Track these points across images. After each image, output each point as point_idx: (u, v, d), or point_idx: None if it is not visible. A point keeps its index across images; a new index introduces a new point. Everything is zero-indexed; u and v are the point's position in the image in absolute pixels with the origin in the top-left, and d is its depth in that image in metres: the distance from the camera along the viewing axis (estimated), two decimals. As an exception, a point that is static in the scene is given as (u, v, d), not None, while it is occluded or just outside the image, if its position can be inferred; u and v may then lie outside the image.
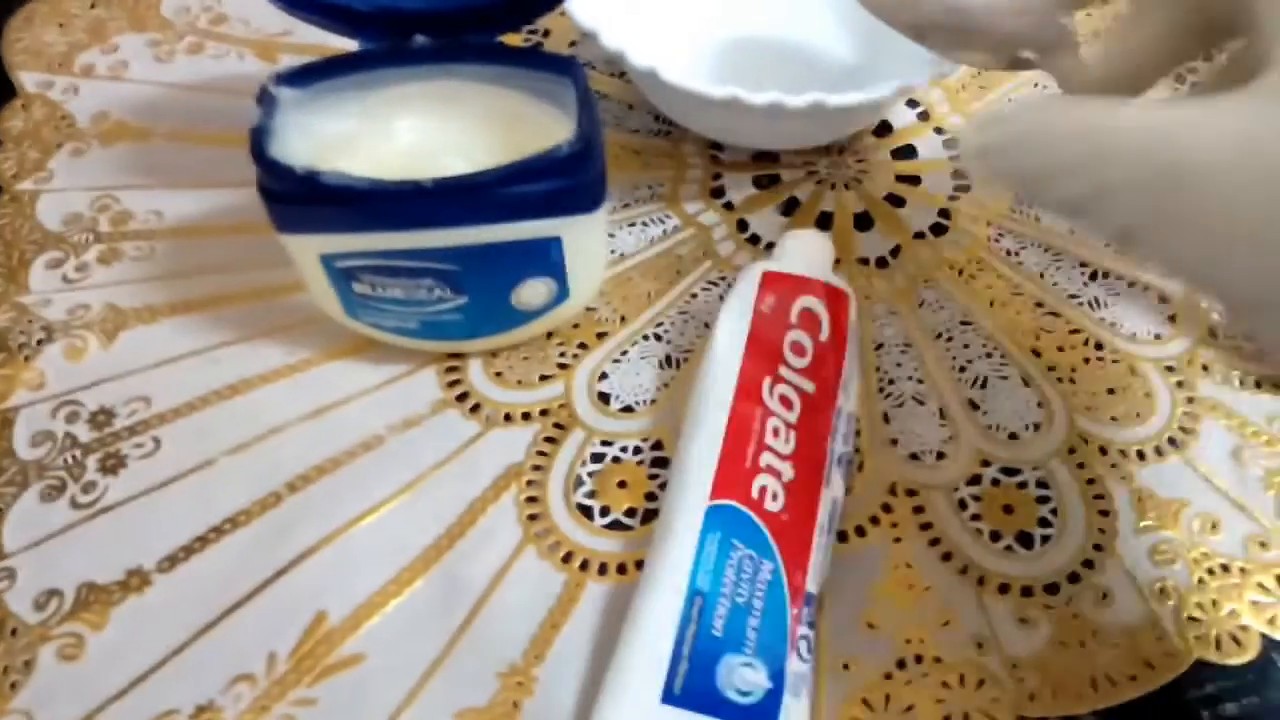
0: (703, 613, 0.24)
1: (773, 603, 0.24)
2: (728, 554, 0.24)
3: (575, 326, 0.32)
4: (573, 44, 0.40)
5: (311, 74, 0.27)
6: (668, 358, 0.31)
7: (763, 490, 0.25)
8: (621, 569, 0.27)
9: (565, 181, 0.26)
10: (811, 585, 0.25)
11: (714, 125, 0.35)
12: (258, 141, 0.25)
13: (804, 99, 0.30)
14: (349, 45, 0.29)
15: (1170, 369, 0.31)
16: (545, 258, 0.28)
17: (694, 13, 0.37)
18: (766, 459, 0.25)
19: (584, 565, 0.27)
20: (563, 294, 0.29)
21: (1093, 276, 0.33)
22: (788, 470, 0.25)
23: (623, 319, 0.32)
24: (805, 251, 0.29)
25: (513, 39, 0.39)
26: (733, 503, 0.25)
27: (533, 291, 0.29)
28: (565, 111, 0.27)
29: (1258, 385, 0.30)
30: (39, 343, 0.32)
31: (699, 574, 0.24)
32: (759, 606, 0.24)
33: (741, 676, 0.23)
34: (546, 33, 0.40)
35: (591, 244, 0.29)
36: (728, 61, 0.36)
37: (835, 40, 0.37)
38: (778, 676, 0.23)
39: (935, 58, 0.30)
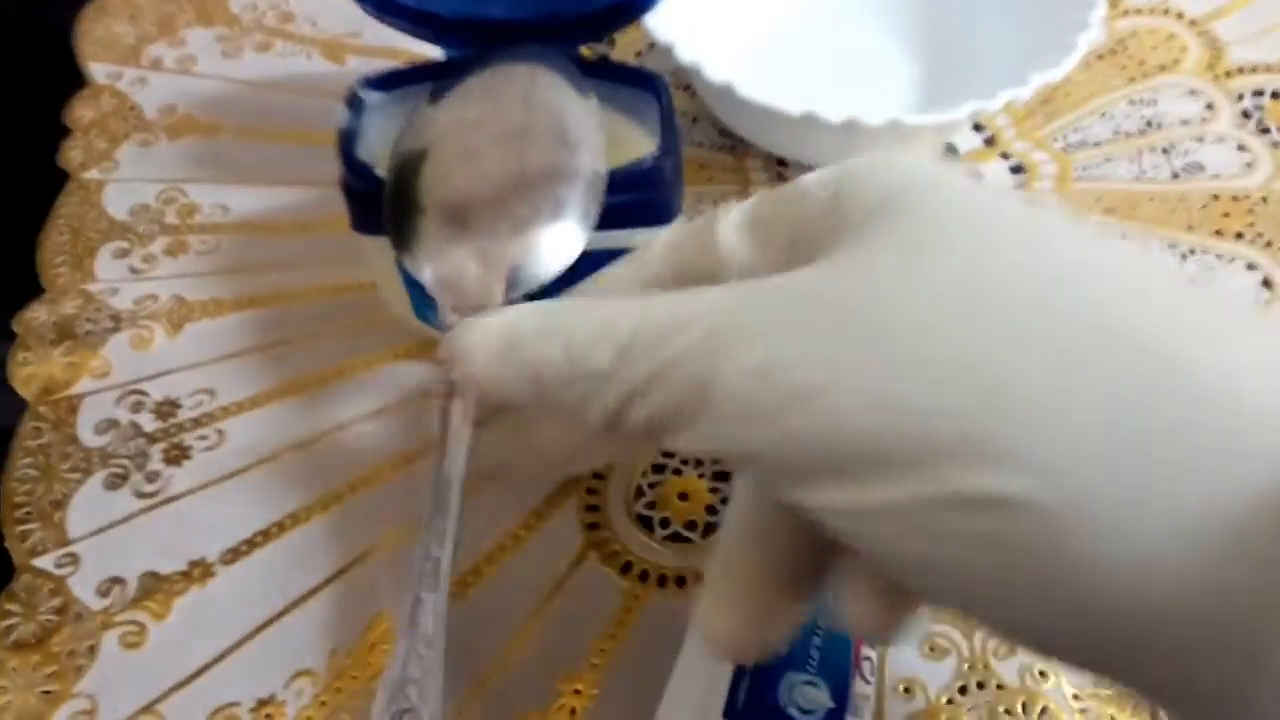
0: None
1: None
2: None
3: (637, 337, 0.32)
4: (638, 54, 0.40)
5: (398, 79, 0.27)
6: (729, 372, 0.31)
7: None
8: (680, 581, 0.27)
9: (645, 194, 0.26)
10: None
11: (784, 143, 0.35)
12: (346, 143, 0.26)
13: (881, 117, 0.30)
14: (421, 49, 0.30)
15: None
16: (619, 269, 0.28)
17: (765, 30, 0.38)
18: None
19: (643, 576, 0.27)
20: (631, 305, 0.29)
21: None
22: None
23: (683, 332, 0.32)
24: None
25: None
26: None
27: (603, 302, 0.29)
28: (642, 124, 0.27)
29: None
30: (106, 331, 0.32)
31: None
32: (822, 625, 0.24)
33: (804, 694, 0.23)
34: (612, 42, 0.40)
35: (663, 257, 0.29)
36: (798, 80, 0.36)
37: (905, 62, 0.37)
38: (841, 695, 0.23)
39: (1006, 80, 0.30)
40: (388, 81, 0.27)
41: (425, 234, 0.25)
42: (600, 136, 0.26)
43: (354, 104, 0.26)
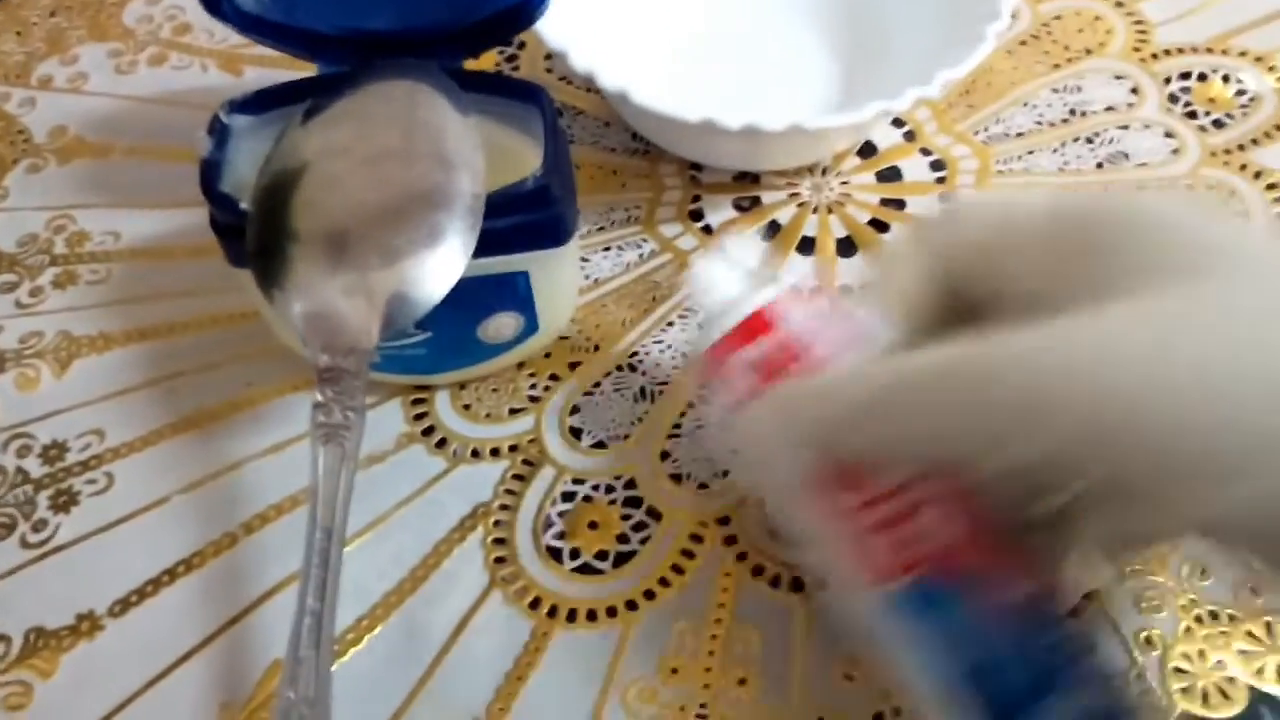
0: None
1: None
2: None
3: (547, 356, 0.31)
4: (548, 56, 0.39)
5: (267, 100, 0.26)
6: (642, 390, 0.30)
7: None
8: (592, 616, 0.26)
9: (531, 216, 0.25)
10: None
11: (691, 147, 0.34)
12: (207, 175, 0.24)
13: (781, 123, 0.29)
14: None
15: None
16: (512, 292, 0.27)
17: (670, 32, 0.36)
18: None
19: (552, 612, 0.26)
20: (531, 327, 0.28)
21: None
22: None
23: (596, 347, 0.31)
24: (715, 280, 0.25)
25: (486, 56, 0.37)
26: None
27: (500, 326, 0.28)
28: (535, 138, 0.26)
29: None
30: (-11, 372, 0.31)
31: None
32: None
33: None
34: (522, 45, 0.39)
35: (561, 276, 0.28)
36: (705, 82, 0.35)
37: (822, 59, 0.36)
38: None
39: (920, 80, 0.29)
40: (255, 104, 0.26)
41: (293, 268, 0.23)
42: (479, 157, 0.24)
43: (217, 130, 0.25)
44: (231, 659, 0.26)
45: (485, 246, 0.24)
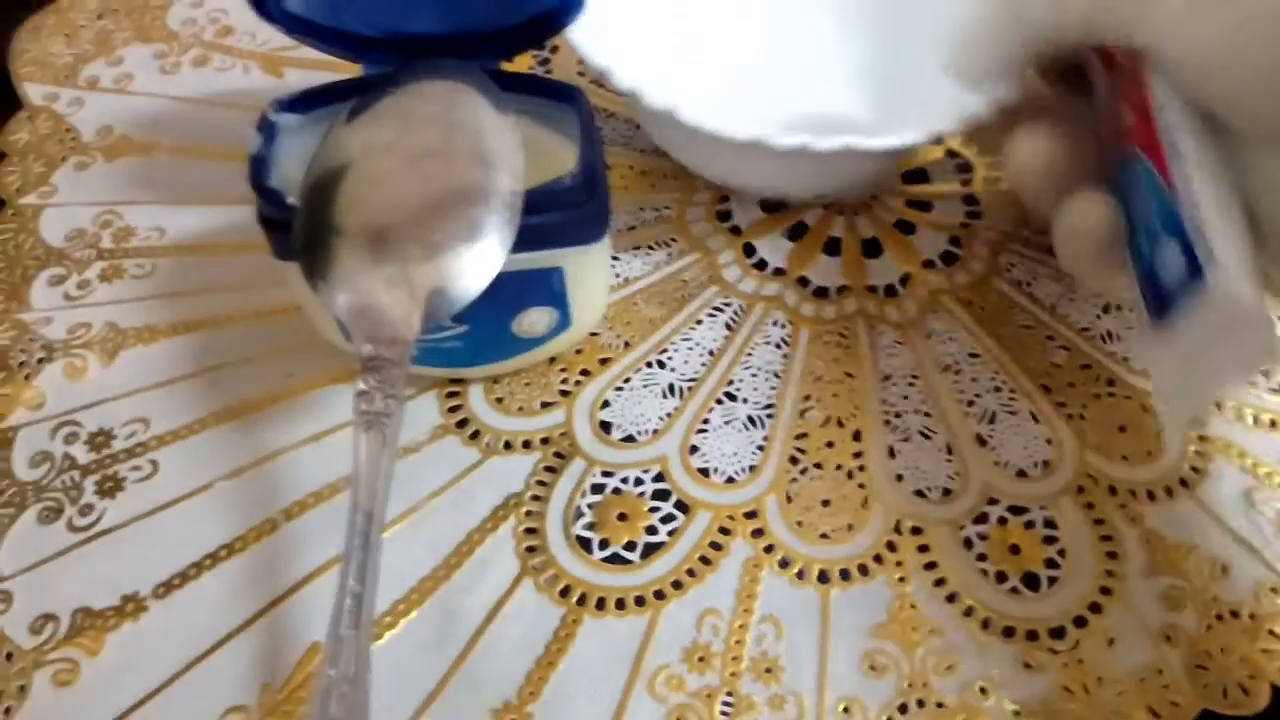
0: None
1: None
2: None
3: (578, 352, 0.32)
4: (581, 61, 0.39)
5: (313, 100, 0.27)
6: (671, 386, 0.31)
7: None
8: (620, 604, 0.27)
9: (567, 214, 0.26)
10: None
11: (730, 170, 0.33)
12: (256, 170, 0.25)
13: (834, 141, 0.28)
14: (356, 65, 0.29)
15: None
16: (547, 288, 0.27)
17: (710, 57, 0.36)
18: None
19: (581, 600, 0.27)
20: (565, 322, 0.29)
21: (1105, 310, 0.32)
22: None
23: (626, 345, 0.32)
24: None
25: (522, 60, 0.38)
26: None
27: (534, 320, 0.28)
28: (571, 138, 0.27)
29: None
30: (39, 361, 0.32)
31: None
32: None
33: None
34: (555, 49, 0.40)
35: (594, 273, 0.28)
36: (745, 106, 0.34)
37: (857, 86, 0.36)
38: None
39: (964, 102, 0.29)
40: (302, 103, 0.27)
41: (338, 261, 0.24)
42: (518, 155, 0.25)
43: (265, 128, 0.26)
44: (272, 641, 0.27)
45: (522, 242, 0.25)
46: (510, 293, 0.27)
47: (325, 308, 0.24)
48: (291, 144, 0.26)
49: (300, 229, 0.25)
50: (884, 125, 0.30)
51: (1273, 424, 0.30)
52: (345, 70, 0.29)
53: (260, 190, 0.25)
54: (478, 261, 0.24)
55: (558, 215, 0.25)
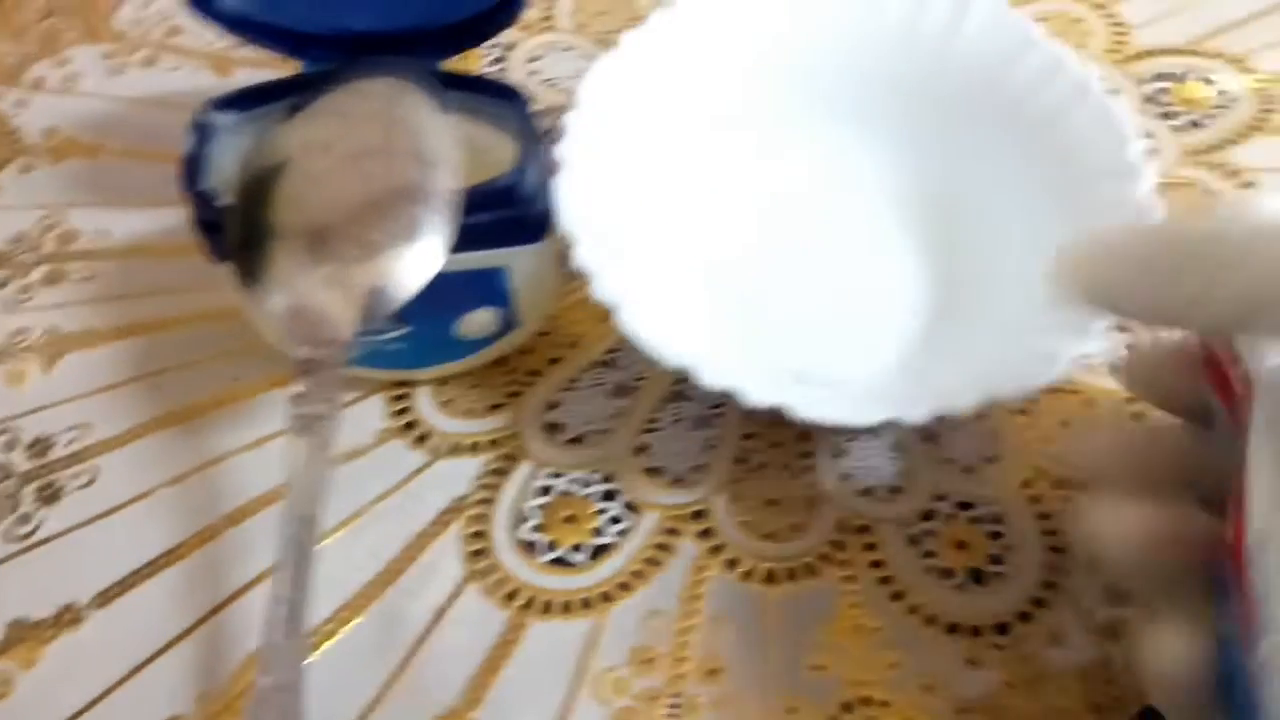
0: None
1: None
2: None
3: (526, 352, 0.31)
4: (534, 59, 0.39)
5: (250, 98, 0.26)
6: (620, 385, 0.31)
7: None
8: (567, 607, 0.27)
9: (508, 212, 0.25)
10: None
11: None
12: (189, 172, 0.25)
13: (924, 411, 0.24)
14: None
15: (1129, 401, 0.30)
16: (490, 288, 0.27)
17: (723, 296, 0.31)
18: None
19: (527, 604, 0.27)
20: (511, 323, 0.29)
21: (1053, 305, 0.32)
22: None
23: (574, 344, 0.32)
24: None
25: (473, 56, 0.38)
26: None
27: (479, 321, 0.28)
28: (511, 136, 0.27)
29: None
30: (-22, 367, 0.31)
31: None
32: None
33: None
34: (511, 47, 0.40)
35: (540, 272, 0.28)
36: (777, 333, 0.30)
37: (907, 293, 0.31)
38: None
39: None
40: (239, 102, 0.26)
41: (273, 262, 0.24)
42: (457, 153, 0.25)
43: (199, 128, 0.25)
44: (211, 650, 0.26)
45: (463, 242, 0.24)
46: (453, 294, 0.27)
47: (259, 311, 0.24)
48: (228, 144, 0.26)
49: (234, 229, 0.24)
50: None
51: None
52: (296, 70, 0.29)
53: (191, 192, 0.24)
54: (417, 260, 0.24)
55: (498, 214, 0.25)
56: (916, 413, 0.23)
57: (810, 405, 0.23)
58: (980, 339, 0.28)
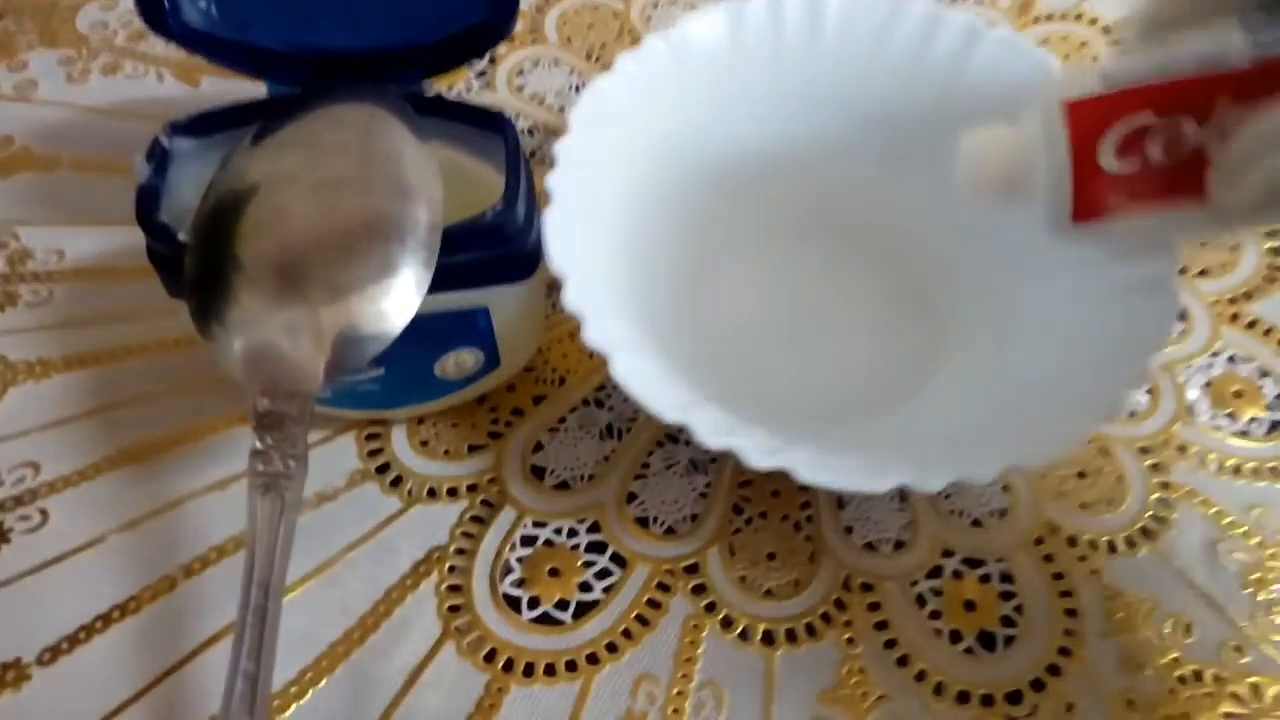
0: None
1: None
2: None
3: (509, 389, 0.29)
4: (520, 73, 0.37)
5: (212, 123, 0.24)
6: (609, 427, 0.29)
7: None
8: (550, 670, 0.25)
9: (492, 250, 0.23)
10: None
11: None
12: (144, 201, 0.23)
13: (941, 480, 0.22)
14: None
15: (1145, 450, 0.29)
16: (471, 329, 0.25)
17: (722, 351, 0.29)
18: None
19: (508, 665, 0.25)
20: (492, 362, 0.27)
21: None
22: None
23: (562, 380, 0.30)
24: None
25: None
26: None
27: (458, 362, 0.26)
28: (497, 166, 0.25)
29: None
30: (-81, 399, 0.29)
31: None
32: None
33: None
34: (493, 59, 0.38)
35: (524, 310, 0.26)
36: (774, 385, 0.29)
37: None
38: None
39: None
40: (199, 126, 0.24)
41: (234, 301, 0.22)
42: (436, 186, 0.23)
43: (156, 154, 0.23)
44: (168, 713, 0.24)
45: (442, 281, 0.23)
46: (431, 334, 0.25)
47: (219, 354, 0.22)
48: (186, 172, 0.24)
49: (193, 265, 0.22)
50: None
51: (1237, 471, 0.28)
52: (261, 91, 0.27)
53: (147, 225, 0.22)
54: (392, 304, 0.22)
55: (481, 252, 0.23)
56: (932, 481, 0.21)
57: (817, 469, 0.22)
58: (992, 400, 0.26)
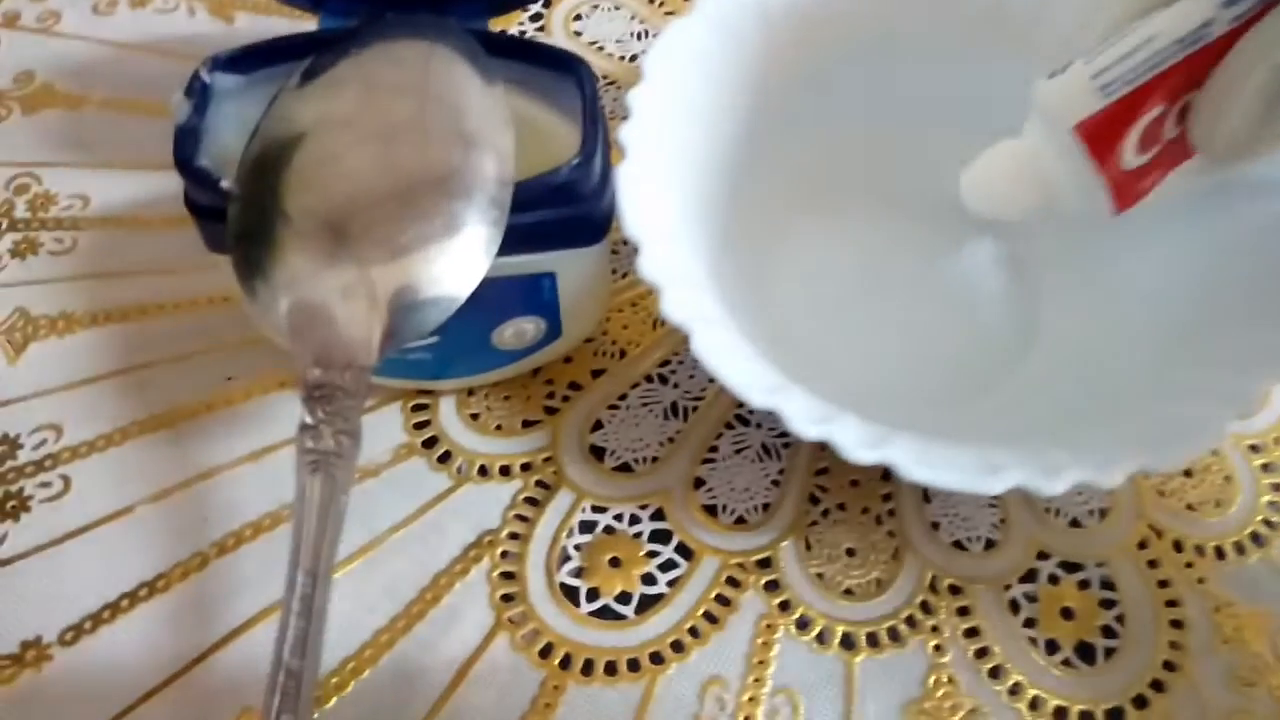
0: None
1: None
2: None
3: (567, 361, 0.27)
4: (578, 18, 0.35)
5: (257, 58, 0.22)
6: (674, 405, 0.27)
7: None
8: (611, 669, 0.23)
9: (564, 210, 0.21)
10: None
11: None
12: (183, 144, 0.20)
13: (1062, 483, 0.20)
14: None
15: (1255, 449, 0.26)
16: (535, 295, 0.23)
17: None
18: None
19: (565, 662, 0.23)
20: (554, 332, 0.25)
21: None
22: None
23: (623, 353, 0.28)
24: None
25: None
26: None
27: (518, 331, 0.24)
28: (568, 116, 0.22)
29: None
30: (-66, 352, 0.27)
31: None
32: None
33: None
34: (550, 3, 0.35)
35: (591, 278, 0.24)
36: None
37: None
38: None
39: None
40: (243, 61, 0.22)
41: (282, 258, 0.20)
42: (507, 136, 0.21)
43: (196, 91, 0.21)
44: (199, 701, 0.23)
45: (508, 243, 0.20)
46: (491, 301, 0.22)
47: (263, 315, 0.20)
48: (229, 111, 0.22)
49: (237, 216, 0.20)
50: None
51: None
52: (309, 19, 0.25)
53: (187, 170, 0.20)
54: (456, 267, 0.20)
55: (553, 212, 0.21)
56: (1054, 484, 0.19)
57: (924, 465, 0.19)
58: (1098, 382, 0.24)
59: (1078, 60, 0.21)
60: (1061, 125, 0.21)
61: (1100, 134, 0.21)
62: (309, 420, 0.19)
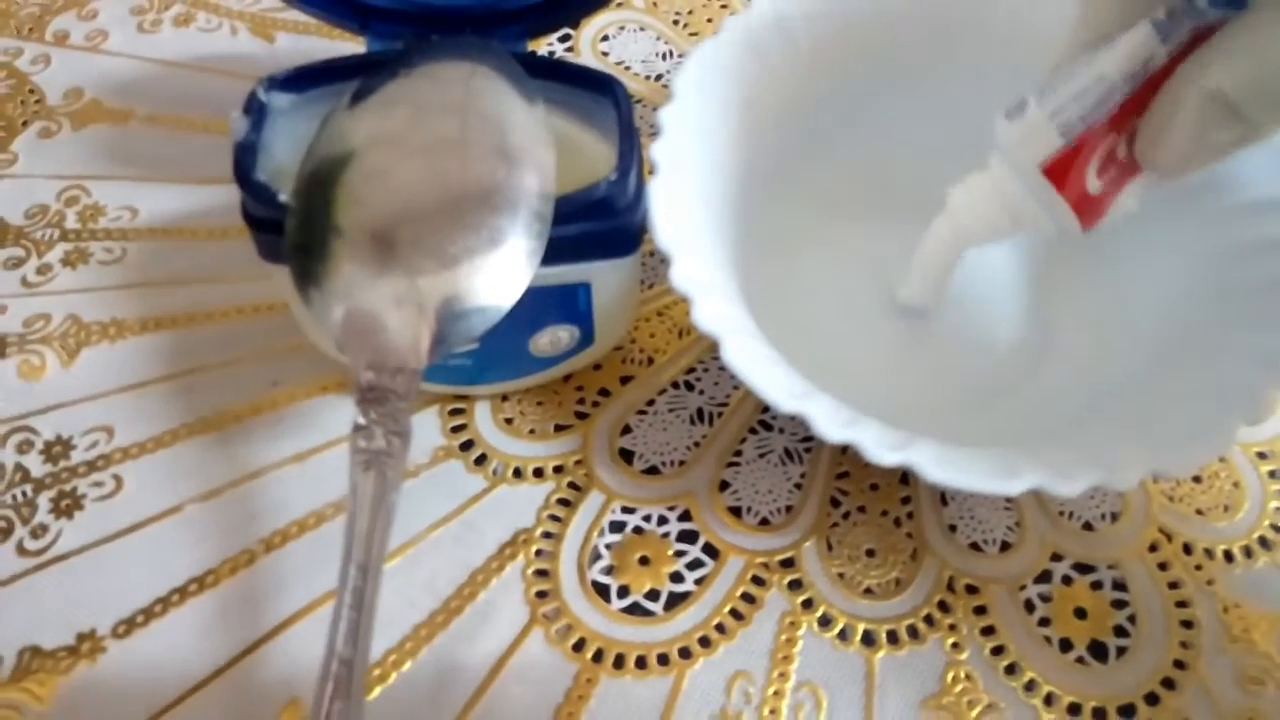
0: None
1: None
2: None
3: (596, 368, 0.28)
4: (605, 38, 0.36)
5: (310, 78, 0.23)
6: (699, 411, 0.28)
7: None
8: (641, 662, 0.24)
9: (601, 224, 0.22)
10: None
11: None
12: (242, 159, 0.22)
13: (1079, 485, 0.20)
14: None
15: (1262, 456, 0.27)
16: (570, 304, 0.24)
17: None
18: None
19: (598, 656, 0.24)
20: (586, 340, 0.26)
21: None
22: None
23: (651, 360, 0.29)
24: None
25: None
26: None
27: (554, 339, 0.25)
28: (604, 134, 0.24)
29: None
30: (-9, 356, 0.28)
31: None
32: None
33: None
34: (576, 23, 0.36)
35: (624, 288, 0.25)
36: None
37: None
38: None
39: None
40: (297, 81, 0.23)
41: (336, 269, 0.21)
42: (548, 152, 0.22)
43: (254, 109, 0.22)
44: (247, 692, 0.24)
45: (548, 255, 0.21)
46: (530, 309, 0.23)
47: (318, 322, 0.21)
48: (283, 128, 0.23)
49: (294, 228, 0.21)
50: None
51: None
52: (346, 40, 0.26)
53: (246, 184, 0.21)
54: (501, 278, 0.21)
55: (590, 225, 0.22)
56: (1070, 485, 0.20)
57: (945, 467, 0.20)
58: (1111, 387, 0.25)
59: (1031, 98, 0.22)
60: (1027, 165, 0.22)
61: (1064, 168, 0.22)
62: (362, 421, 0.20)
